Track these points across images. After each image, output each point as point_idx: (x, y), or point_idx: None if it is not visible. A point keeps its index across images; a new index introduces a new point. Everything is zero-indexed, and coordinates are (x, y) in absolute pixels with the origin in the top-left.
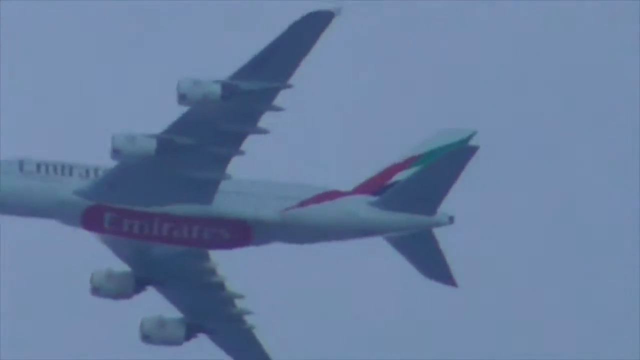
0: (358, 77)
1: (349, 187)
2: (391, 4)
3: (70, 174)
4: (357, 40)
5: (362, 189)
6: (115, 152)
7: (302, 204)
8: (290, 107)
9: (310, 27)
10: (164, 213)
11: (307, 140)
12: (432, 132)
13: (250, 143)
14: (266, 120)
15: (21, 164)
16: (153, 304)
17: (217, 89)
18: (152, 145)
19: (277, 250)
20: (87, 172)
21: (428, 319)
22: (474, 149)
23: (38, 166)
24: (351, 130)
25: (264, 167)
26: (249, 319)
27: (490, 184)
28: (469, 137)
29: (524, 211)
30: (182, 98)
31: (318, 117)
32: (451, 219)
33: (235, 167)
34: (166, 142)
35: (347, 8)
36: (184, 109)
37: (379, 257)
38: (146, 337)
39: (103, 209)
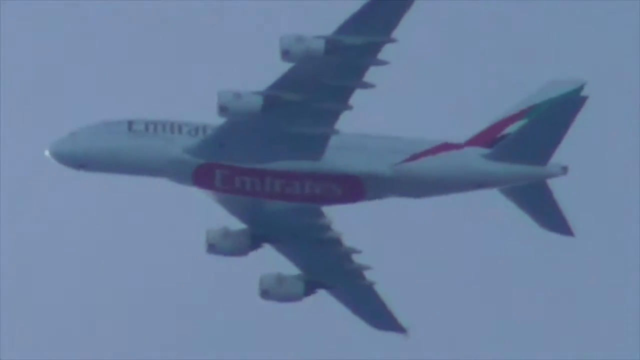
0: (464, 28)
1: (460, 140)
2: None
3: (180, 132)
4: None
5: (474, 141)
6: (222, 109)
7: (414, 157)
8: (395, 60)
9: None
10: (274, 170)
11: (414, 94)
12: (542, 84)
13: (358, 97)
14: (372, 74)
15: (130, 124)
16: (271, 261)
17: (320, 44)
18: (258, 102)
19: (391, 204)
20: (197, 130)
21: (545, 269)
22: (583, 99)
23: (146, 125)
24: (458, 83)
25: (373, 122)
26: (368, 275)
27: (602, 134)
28: (580, 88)
29: (637, 161)
30: (286, 54)
31: (424, 70)
32: (564, 169)
33: (344, 122)
34: (272, 99)
35: None
36: (287, 65)
37: (494, 208)
38: (265, 293)
39: (214, 166)
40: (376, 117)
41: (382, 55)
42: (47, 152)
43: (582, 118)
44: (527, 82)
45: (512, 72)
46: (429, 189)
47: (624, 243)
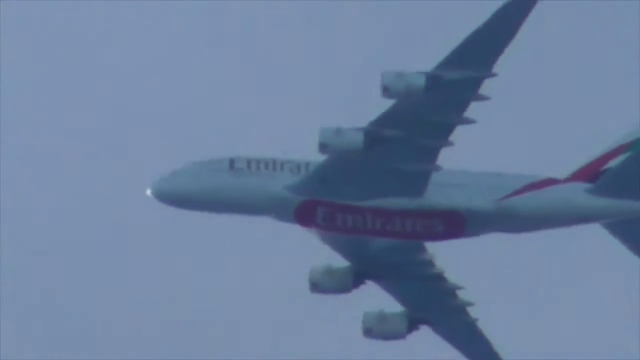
0: (561, 62)
1: (562, 176)
2: None
3: (282, 169)
4: (558, 24)
5: (576, 176)
6: (323, 146)
7: (516, 192)
8: (495, 96)
9: (514, 13)
10: (376, 207)
11: (515, 129)
12: None
13: (459, 133)
14: (473, 110)
15: (232, 162)
16: (374, 298)
17: (421, 81)
18: (359, 138)
19: (492, 240)
20: (298, 167)
21: None
22: None
23: (248, 163)
24: (560, 118)
25: (473, 158)
26: (471, 311)
27: None
28: None
29: None
30: (386, 90)
31: (525, 105)
32: None
33: (446, 158)
34: (374, 135)
35: None
36: (388, 101)
37: (598, 244)
38: (368, 331)
39: (315, 203)
40: (477, 153)
41: (483, 90)
42: (149, 191)
43: None
44: (629, 116)
45: (613, 106)
46: (532, 224)
47: None
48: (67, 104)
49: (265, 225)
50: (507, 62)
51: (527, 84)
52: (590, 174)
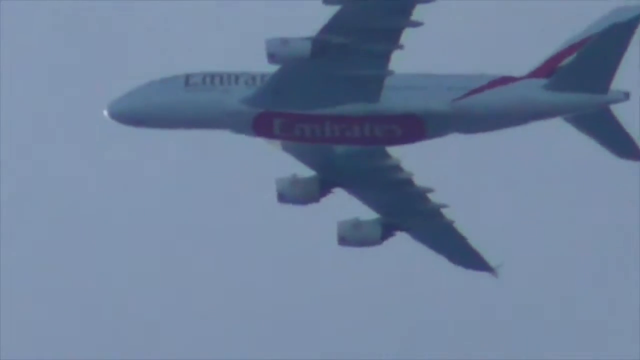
0: None
1: (521, 74)
2: None
3: (237, 82)
4: None
5: (534, 73)
6: (271, 57)
7: (473, 92)
8: None
9: None
10: (332, 114)
11: (470, 29)
12: (606, 11)
13: (411, 36)
14: (421, 12)
15: (187, 78)
16: (348, 207)
17: None
18: (306, 47)
19: (456, 141)
20: (254, 79)
21: (621, 195)
22: (634, 23)
23: (204, 78)
24: (517, 14)
25: (427, 61)
26: (446, 213)
27: None
28: None
29: None
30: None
31: (477, 5)
32: (626, 95)
33: (399, 62)
34: (321, 43)
35: None
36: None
37: (564, 137)
38: (343, 239)
39: (272, 115)
40: (430, 56)
41: None
42: (105, 112)
43: None
44: (594, 10)
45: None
46: (490, 123)
47: None
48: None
49: (227, 139)
50: None
51: None
52: (550, 70)
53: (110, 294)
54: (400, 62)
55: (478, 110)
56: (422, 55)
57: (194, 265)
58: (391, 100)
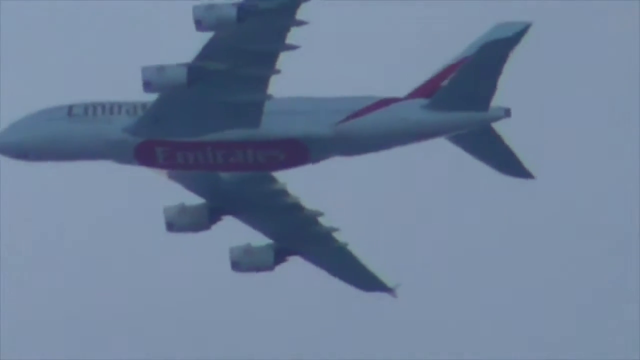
0: None
1: (402, 95)
2: None
3: (119, 112)
4: None
5: (416, 94)
6: (146, 85)
7: (355, 115)
8: (315, 20)
9: None
10: (213, 141)
11: (348, 51)
12: (489, 28)
13: (286, 60)
14: (296, 36)
15: (70, 109)
16: (240, 233)
17: (232, 12)
18: (182, 73)
19: (339, 164)
20: (135, 108)
21: (510, 214)
22: (510, 40)
23: (86, 108)
24: (397, 34)
25: (307, 85)
26: (338, 236)
27: (547, 74)
28: (524, 31)
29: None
30: (199, 24)
31: (353, 25)
32: (507, 112)
33: (277, 87)
34: (197, 70)
35: None
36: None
37: (449, 157)
38: (236, 265)
39: (153, 143)
40: (309, 79)
41: (300, 15)
42: None
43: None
44: (478, 28)
45: (459, 17)
46: (372, 144)
47: (585, 180)
48: None
49: (110, 169)
50: None
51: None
52: (432, 90)
53: None
54: (281, 87)
55: (360, 132)
56: (304, 79)
57: (85, 298)
58: (272, 125)
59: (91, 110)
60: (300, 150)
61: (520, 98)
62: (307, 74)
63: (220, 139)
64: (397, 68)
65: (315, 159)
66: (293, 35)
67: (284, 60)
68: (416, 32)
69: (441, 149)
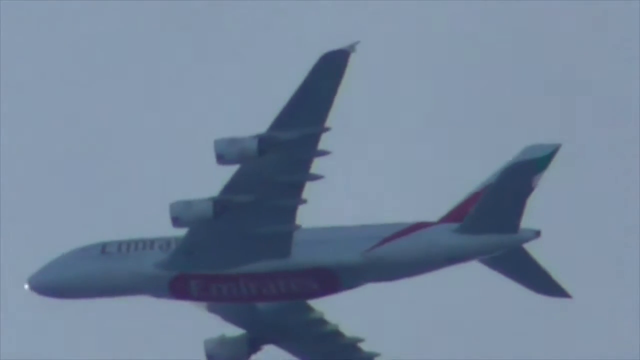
0: (394, 103)
1: (434, 220)
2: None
3: (152, 247)
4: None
5: (448, 218)
6: (175, 220)
7: (385, 241)
8: (337, 149)
9: (330, 68)
10: (246, 273)
11: (378, 178)
12: (519, 150)
13: (313, 191)
14: (320, 166)
15: (103, 247)
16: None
17: (253, 144)
18: (209, 207)
19: (374, 289)
20: (168, 243)
21: (547, 333)
22: (533, 161)
23: (119, 246)
24: (423, 160)
25: (337, 213)
26: None
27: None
28: (554, 152)
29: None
30: (220, 158)
31: (376, 153)
32: (537, 233)
33: (307, 217)
34: (223, 203)
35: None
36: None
37: (487, 281)
38: None
39: (186, 277)
40: (339, 208)
41: (322, 145)
42: (26, 286)
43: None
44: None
45: (490, 141)
46: (403, 270)
47: (619, 300)
48: None
49: (151, 305)
50: (341, 114)
51: (364, 133)
52: (463, 213)
53: None
54: (310, 217)
55: (389, 258)
56: (334, 208)
57: None
58: (302, 255)
59: (125, 247)
60: (331, 279)
61: (552, 218)
62: (335, 202)
63: (251, 271)
64: (424, 195)
65: (347, 286)
66: (317, 165)
67: (311, 190)
68: (442, 157)
69: (476, 272)
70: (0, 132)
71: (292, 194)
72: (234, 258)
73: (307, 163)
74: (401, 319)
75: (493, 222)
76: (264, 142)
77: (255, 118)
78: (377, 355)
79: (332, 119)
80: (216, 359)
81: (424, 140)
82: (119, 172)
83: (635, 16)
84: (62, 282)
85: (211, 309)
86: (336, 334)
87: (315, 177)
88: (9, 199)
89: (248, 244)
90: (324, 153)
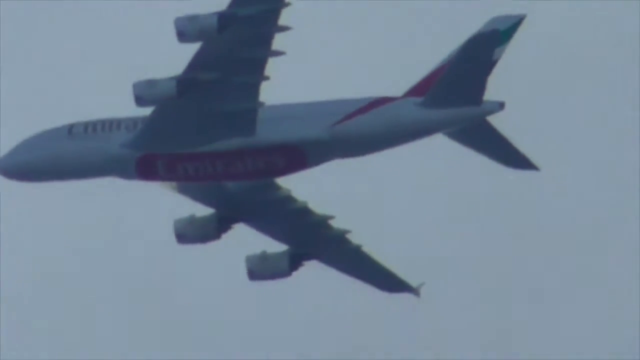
0: None
1: (399, 94)
2: None
3: (118, 128)
4: None
5: (412, 92)
6: (138, 100)
7: (350, 116)
8: (299, 24)
9: None
10: (212, 151)
11: (339, 54)
12: (485, 22)
13: (276, 67)
14: (282, 42)
15: (70, 128)
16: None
17: (213, 21)
18: (172, 86)
19: (344, 164)
20: (135, 123)
21: (515, 203)
22: (496, 32)
23: (86, 127)
24: (391, 32)
25: (299, 90)
26: (351, 237)
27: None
28: (517, 23)
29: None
30: (182, 35)
31: (341, 27)
32: (501, 105)
33: (271, 94)
34: (187, 82)
35: None
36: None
37: (454, 155)
38: (252, 274)
39: (152, 157)
40: (300, 85)
41: (283, 20)
42: None
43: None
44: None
45: (455, 13)
46: (370, 145)
47: (589, 170)
48: None
49: (117, 185)
50: None
51: (327, 8)
52: (427, 88)
53: None
54: (273, 94)
55: (354, 134)
56: (295, 85)
57: (98, 313)
58: (267, 132)
59: (91, 128)
60: (297, 155)
61: (517, 91)
62: (298, 79)
63: (217, 149)
64: (389, 69)
65: (314, 163)
66: (279, 41)
67: (273, 66)
68: (407, 31)
69: (441, 145)
70: None
71: (255, 71)
72: (199, 137)
73: (268, 39)
74: (370, 195)
75: (456, 95)
76: (224, 19)
77: None
78: (348, 232)
79: None
80: (186, 238)
81: (389, 13)
82: (84, 53)
83: None
84: (28, 165)
85: (180, 190)
86: (305, 211)
87: (277, 53)
88: None
89: (212, 122)
90: (285, 28)
